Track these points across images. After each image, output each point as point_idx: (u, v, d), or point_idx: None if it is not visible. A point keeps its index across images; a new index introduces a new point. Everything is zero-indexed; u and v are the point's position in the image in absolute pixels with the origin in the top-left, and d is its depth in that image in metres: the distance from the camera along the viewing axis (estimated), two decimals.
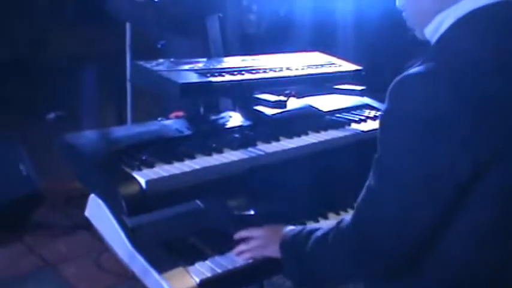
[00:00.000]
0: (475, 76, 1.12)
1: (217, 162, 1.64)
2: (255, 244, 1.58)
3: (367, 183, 1.26)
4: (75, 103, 3.99)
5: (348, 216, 1.33)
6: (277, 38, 4.09)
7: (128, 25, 3.40)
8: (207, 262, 1.55)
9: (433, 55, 1.20)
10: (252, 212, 1.80)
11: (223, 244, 1.62)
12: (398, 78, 1.19)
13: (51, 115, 4.38)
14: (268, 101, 1.92)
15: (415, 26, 1.34)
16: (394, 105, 1.19)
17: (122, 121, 3.83)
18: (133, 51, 3.44)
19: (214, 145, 1.74)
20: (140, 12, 3.02)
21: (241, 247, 1.59)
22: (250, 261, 1.57)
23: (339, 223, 1.34)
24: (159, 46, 3.18)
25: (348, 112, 2.26)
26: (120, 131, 1.81)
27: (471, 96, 1.10)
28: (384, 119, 1.23)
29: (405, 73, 1.18)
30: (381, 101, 2.25)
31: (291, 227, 1.53)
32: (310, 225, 1.56)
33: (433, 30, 1.26)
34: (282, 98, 1.93)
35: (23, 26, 3.84)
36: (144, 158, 1.61)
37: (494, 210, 1.16)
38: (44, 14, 4.11)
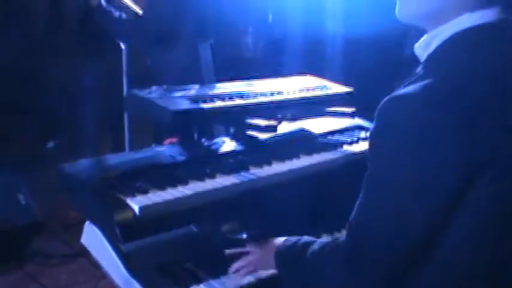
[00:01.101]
0: (467, 94, 1.13)
1: (210, 187, 1.67)
2: (249, 259, 1.60)
3: (358, 201, 1.26)
4: (75, 131, 4.02)
5: (344, 232, 1.33)
6: (274, 61, 4.12)
7: (124, 51, 3.44)
8: (201, 286, 1.56)
9: (423, 73, 1.21)
10: (245, 236, 1.82)
11: (218, 268, 1.63)
12: (387, 98, 1.19)
13: (50, 144, 4.39)
14: (259, 125, 1.95)
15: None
16: (384, 122, 1.19)
17: (120, 148, 3.86)
18: (130, 78, 3.47)
19: (207, 170, 1.76)
20: (127, 30, 3.06)
21: (237, 264, 1.61)
22: (245, 283, 1.59)
23: (335, 238, 1.36)
24: (148, 63, 3.23)
25: (340, 134, 2.29)
26: (114, 159, 1.84)
27: (462, 114, 1.12)
28: (373, 137, 1.23)
29: (395, 93, 1.19)
30: (372, 120, 2.28)
31: (285, 238, 1.53)
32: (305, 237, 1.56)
33: (424, 47, 1.28)
34: (272, 122, 1.96)
35: (19, 55, 3.90)
36: (137, 184, 1.63)
37: (489, 218, 1.16)
38: (41, 43, 4.17)
